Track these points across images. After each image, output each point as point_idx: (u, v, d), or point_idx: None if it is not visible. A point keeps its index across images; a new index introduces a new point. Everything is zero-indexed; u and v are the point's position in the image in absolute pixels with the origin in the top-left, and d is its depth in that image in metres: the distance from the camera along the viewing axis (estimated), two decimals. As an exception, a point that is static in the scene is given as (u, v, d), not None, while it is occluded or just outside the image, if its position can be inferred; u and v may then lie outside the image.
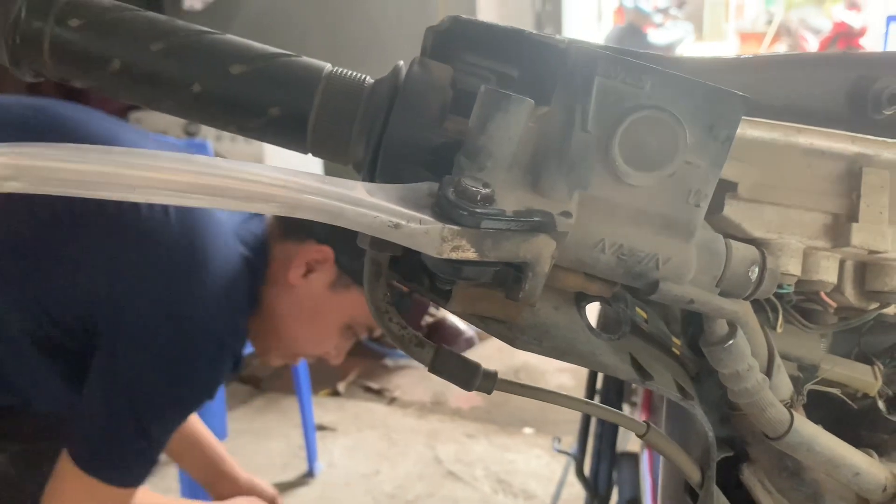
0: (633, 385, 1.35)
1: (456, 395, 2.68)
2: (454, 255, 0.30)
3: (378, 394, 2.81)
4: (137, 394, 0.98)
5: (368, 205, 0.29)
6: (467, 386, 0.37)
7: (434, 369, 0.37)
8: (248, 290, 1.06)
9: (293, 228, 1.10)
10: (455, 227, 0.29)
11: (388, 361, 2.97)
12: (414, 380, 2.83)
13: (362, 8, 3.63)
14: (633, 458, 1.33)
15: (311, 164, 2.60)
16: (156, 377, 0.98)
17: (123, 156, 0.28)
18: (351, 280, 1.10)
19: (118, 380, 0.98)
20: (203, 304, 0.99)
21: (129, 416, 0.97)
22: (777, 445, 0.39)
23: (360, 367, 2.93)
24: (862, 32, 6.21)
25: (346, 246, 1.08)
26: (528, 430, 2.49)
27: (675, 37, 6.62)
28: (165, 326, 0.97)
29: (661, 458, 0.52)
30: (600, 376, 1.38)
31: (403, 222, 0.29)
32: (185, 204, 0.29)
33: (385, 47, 3.50)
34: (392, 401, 2.70)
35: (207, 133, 3.12)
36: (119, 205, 0.94)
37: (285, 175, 0.30)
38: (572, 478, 1.77)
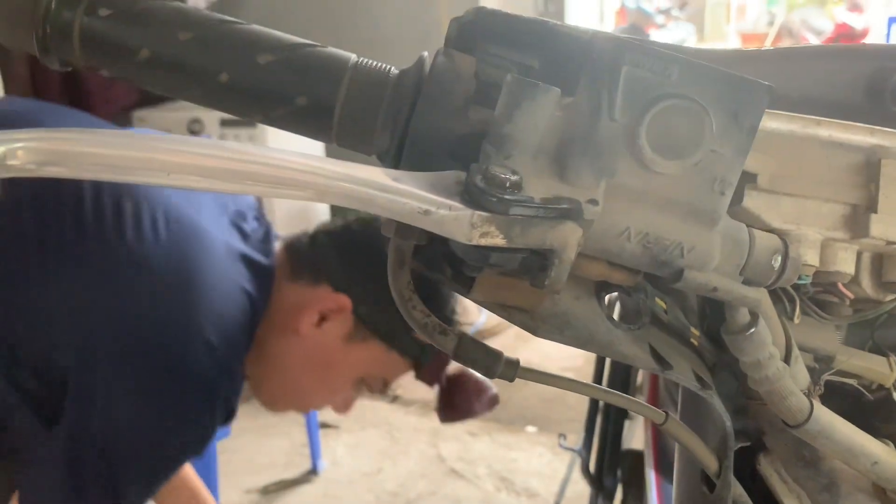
0: (639, 382, 1.36)
1: (459, 393, 2.68)
2: (483, 242, 0.30)
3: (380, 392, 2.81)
4: (112, 450, 0.83)
5: (398, 191, 0.30)
6: (489, 373, 0.38)
7: (457, 356, 0.37)
8: (248, 330, 0.93)
9: (306, 268, 0.99)
10: (484, 214, 0.30)
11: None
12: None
13: (366, 6, 3.64)
14: (638, 455, 1.34)
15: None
16: (135, 432, 0.84)
17: (158, 141, 0.29)
18: (369, 332, 0.98)
19: (88, 433, 0.83)
20: (194, 346, 0.85)
21: (100, 475, 0.83)
22: (796, 433, 0.39)
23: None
24: (864, 34, 6.22)
25: (366, 294, 0.97)
26: (530, 429, 2.49)
27: (676, 38, 6.62)
28: (147, 371, 0.83)
29: (677, 450, 0.52)
30: (605, 372, 1.38)
31: (433, 209, 0.30)
32: (217, 189, 0.30)
33: (388, 45, 3.49)
34: (395, 399, 2.70)
35: (211, 131, 3.13)
36: (102, 229, 0.84)
37: (316, 161, 0.30)
38: (576, 475, 1.78)
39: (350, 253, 1.01)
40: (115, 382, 0.83)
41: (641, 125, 0.31)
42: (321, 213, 3.71)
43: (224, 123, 3.10)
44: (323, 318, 0.98)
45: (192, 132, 3.09)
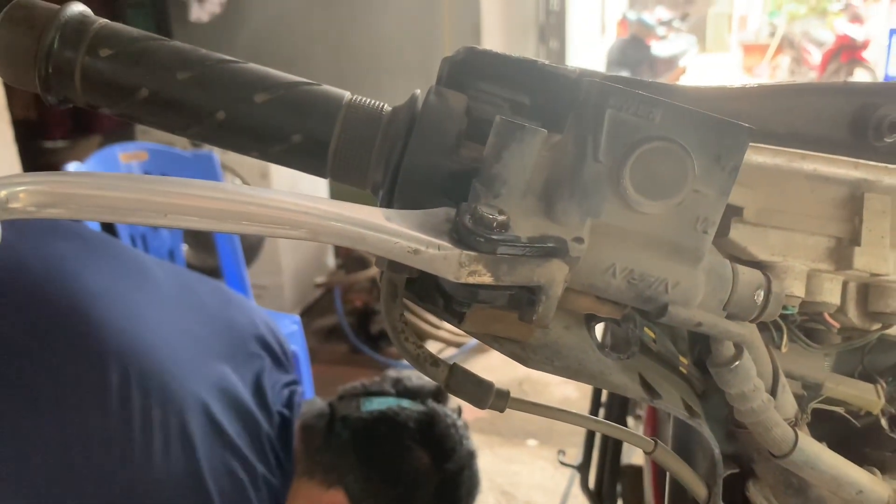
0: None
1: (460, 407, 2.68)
2: (471, 280, 0.31)
3: (382, 404, 2.81)
4: None
5: (389, 231, 0.31)
6: (480, 404, 0.38)
7: (449, 388, 0.38)
8: None
9: (320, 466, 0.92)
10: (472, 253, 0.31)
11: (392, 373, 2.97)
12: (418, 390, 2.83)
13: (366, 22, 3.66)
14: (637, 471, 1.34)
15: (319, 184, 2.62)
16: None
17: (155, 183, 0.30)
18: None
19: None
20: None
21: None
22: (782, 464, 0.40)
23: (364, 377, 2.94)
24: (865, 45, 6.23)
25: None
26: (532, 442, 2.49)
27: (678, 49, 6.65)
28: None
29: (668, 475, 0.53)
30: (603, 394, 1.38)
31: (423, 248, 0.31)
32: (213, 229, 0.31)
33: (389, 59, 3.52)
34: (396, 411, 2.70)
35: (213, 148, 3.14)
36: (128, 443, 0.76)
37: (310, 202, 0.31)
38: (576, 490, 1.78)
39: (370, 463, 0.92)
40: None
41: (625, 167, 0.32)
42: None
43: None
44: None
45: (195, 144, 3.11)
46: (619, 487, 1.45)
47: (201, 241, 3.17)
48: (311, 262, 3.63)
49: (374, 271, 3.35)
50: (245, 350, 0.94)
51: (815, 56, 7.04)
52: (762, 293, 0.35)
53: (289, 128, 0.37)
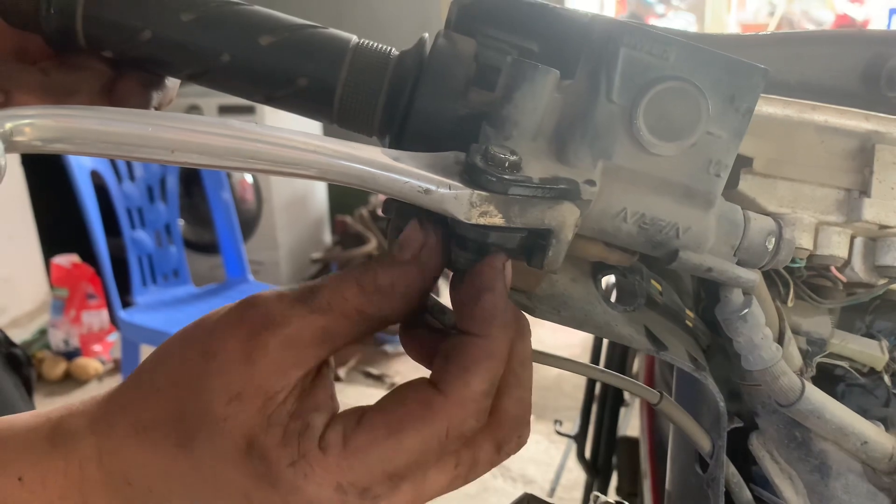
0: (635, 369, 1.37)
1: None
2: (482, 221, 0.31)
3: (378, 379, 2.82)
4: None
5: (399, 170, 0.30)
6: None
7: None
8: None
9: None
10: (483, 193, 0.30)
11: (388, 348, 2.98)
12: (413, 365, 2.83)
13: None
14: (633, 442, 1.35)
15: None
16: None
17: (162, 119, 0.29)
18: None
19: None
20: None
21: None
22: (788, 413, 0.40)
23: (360, 353, 2.95)
24: (864, 25, 6.20)
25: None
26: (527, 417, 2.50)
27: (677, 27, 6.60)
28: None
29: (671, 431, 0.53)
30: (602, 356, 1.39)
31: (433, 188, 0.30)
32: (221, 167, 0.30)
33: (385, 28, 3.49)
34: (392, 386, 2.71)
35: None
36: None
37: (318, 140, 0.30)
38: (570, 463, 1.79)
39: None
40: None
41: (639, 107, 0.31)
42: (319, 202, 3.72)
43: (223, 110, 3.09)
44: None
45: (192, 107, 3.09)
46: (614, 459, 1.46)
47: (198, 216, 3.16)
48: (307, 237, 3.62)
49: (370, 247, 3.34)
50: None
51: (814, 36, 6.99)
52: (773, 240, 0.35)
53: (294, 71, 0.37)
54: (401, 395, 0.32)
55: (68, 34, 0.37)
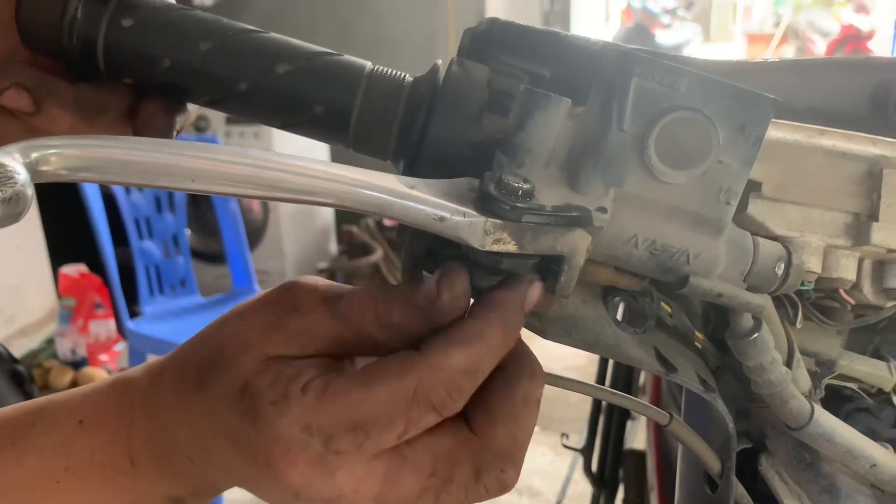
0: (641, 383, 1.37)
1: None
2: (495, 248, 0.31)
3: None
4: None
5: (415, 198, 0.31)
6: None
7: None
8: None
9: None
10: (497, 221, 0.31)
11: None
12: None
13: (370, 11, 3.65)
14: (640, 455, 1.35)
15: (318, 149, 2.63)
16: None
17: (184, 148, 0.30)
18: None
19: None
20: None
21: None
22: (798, 436, 0.40)
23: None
24: (870, 35, 6.20)
25: None
26: (533, 428, 2.50)
27: (682, 38, 6.62)
28: None
29: (680, 451, 0.53)
30: (608, 372, 1.39)
31: (448, 215, 0.31)
32: (242, 195, 0.31)
33: (393, 49, 3.51)
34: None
35: (217, 129, 3.14)
36: None
37: (336, 169, 0.31)
38: (577, 475, 1.79)
39: None
40: None
41: (650, 136, 0.32)
42: (325, 211, 3.73)
43: (229, 121, 3.12)
44: None
45: (198, 129, 3.11)
46: (620, 472, 1.46)
47: (205, 226, 3.17)
48: (313, 247, 3.63)
49: (376, 257, 3.35)
50: None
51: (820, 46, 7.01)
52: (783, 265, 0.35)
53: (310, 99, 0.38)
54: (388, 356, 0.32)
55: (89, 62, 0.38)
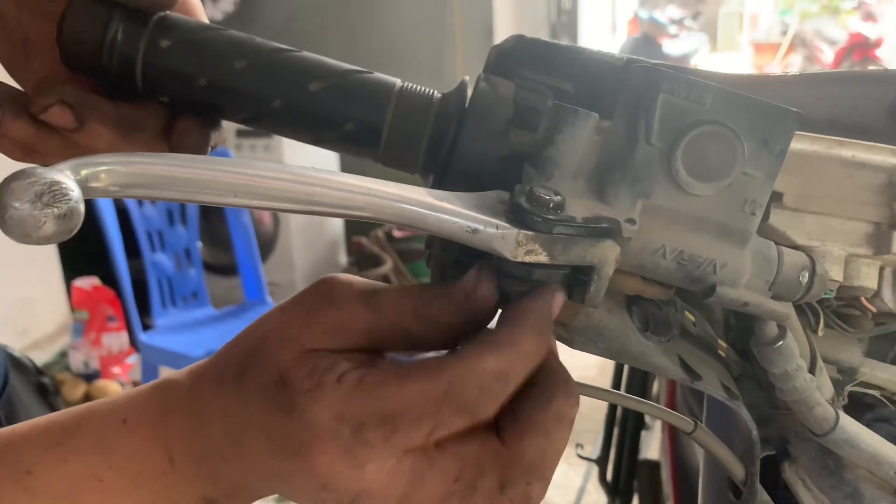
0: (655, 391, 1.37)
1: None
2: (527, 259, 0.32)
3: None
4: None
5: (448, 211, 0.32)
6: None
7: None
8: None
9: None
10: (529, 233, 0.32)
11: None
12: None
13: (378, 22, 3.68)
14: (654, 465, 1.35)
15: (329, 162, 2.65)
16: None
17: (225, 164, 0.31)
18: None
19: None
20: None
21: None
22: (822, 442, 0.41)
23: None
24: (878, 43, 6.20)
25: None
26: (545, 438, 2.49)
27: (689, 47, 6.64)
28: None
29: (703, 458, 0.54)
30: (623, 379, 1.39)
31: (481, 227, 0.32)
32: (279, 210, 0.32)
33: (401, 59, 3.54)
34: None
35: (228, 142, 3.17)
36: None
37: (370, 183, 0.32)
38: (591, 485, 1.79)
39: None
40: None
41: (677, 149, 0.33)
42: (335, 223, 3.75)
43: (240, 134, 3.15)
44: None
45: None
46: (635, 482, 1.46)
47: (217, 238, 3.20)
48: (324, 259, 3.65)
49: (386, 268, 3.36)
50: None
51: (828, 54, 7.01)
52: (807, 274, 0.36)
53: (342, 116, 0.39)
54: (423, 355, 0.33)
55: (128, 81, 0.39)
